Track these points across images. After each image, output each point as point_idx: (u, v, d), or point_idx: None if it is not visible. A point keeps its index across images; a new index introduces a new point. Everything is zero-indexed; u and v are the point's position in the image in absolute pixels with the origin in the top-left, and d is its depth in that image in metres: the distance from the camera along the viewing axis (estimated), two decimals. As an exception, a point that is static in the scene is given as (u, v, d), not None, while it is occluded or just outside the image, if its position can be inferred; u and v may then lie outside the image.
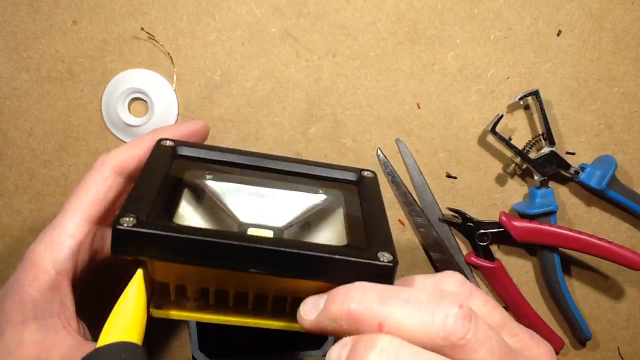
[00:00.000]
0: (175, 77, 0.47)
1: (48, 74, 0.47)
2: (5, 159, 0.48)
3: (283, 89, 0.48)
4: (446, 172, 0.48)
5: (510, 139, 0.47)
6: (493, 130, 0.46)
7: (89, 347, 0.28)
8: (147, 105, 0.47)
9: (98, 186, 0.33)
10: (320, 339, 0.36)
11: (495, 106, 0.48)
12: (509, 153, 0.48)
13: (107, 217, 0.34)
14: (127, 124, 0.47)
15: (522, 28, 0.47)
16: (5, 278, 0.49)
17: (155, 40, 0.47)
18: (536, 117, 0.48)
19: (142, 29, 0.47)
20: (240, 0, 0.47)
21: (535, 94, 0.46)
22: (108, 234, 0.35)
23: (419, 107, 0.48)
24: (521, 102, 0.47)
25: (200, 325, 0.33)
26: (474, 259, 0.48)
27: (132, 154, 0.34)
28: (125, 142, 0.48)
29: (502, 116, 0.46)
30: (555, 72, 0.48)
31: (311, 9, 0.47)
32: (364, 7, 0.47)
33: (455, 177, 0.49)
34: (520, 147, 0.47)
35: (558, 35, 0.47)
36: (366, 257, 0.26)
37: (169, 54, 0.47)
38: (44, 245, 0.30)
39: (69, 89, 0.48)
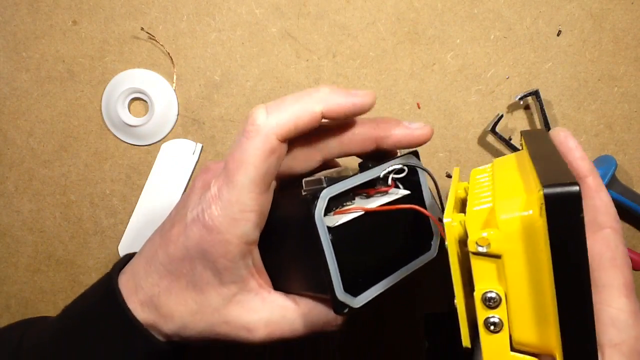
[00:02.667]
0: (175, 77, 0.47)
1: (48, 74, 0.47)
2: (5, 159, 0.48)
3: (283, 89, 0.48)
4: (446, 172, 0.48)
5: (510, 139, 0.47)
6: (493, 130, 0.46)
7: (280, 298, 0.34)
8: (147, 105, 0.48)
9: (267, 161, 0.30)
10: (427, 241, 0.37)
11: (495, 106, 0.48)
12: (509, 153, 0.48)
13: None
14: (127, 124, 0.47)
15: (522, 28, 0.47)
16: (5, 278, 0.49)
17: (155, 40, 0.47)
18: (536, 117, 0.48)
19: (142, 29, 0.47)
20: (240, 0, 0.47)
21: (535, 94, 0.46)
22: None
23: (419, 107, 0.48)
24: (521, 102, 0.47)
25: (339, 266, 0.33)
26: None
27: (298, 113, 0.31)
28: (125, 142, 0.48)
29: (502, 116, 0.46)
30: (555, 72, 0.48)
31: (311, 9, 0.47)
32: (364, 7, 0.47)
33: (455, 177, 0.49)
34: (520, 147, 0.47)
35: (558, 35, 0.47)
36: None
37: (169, 54, 0.47)
38: (228, 221, 0.31)
39: (69, 89, 0.48)
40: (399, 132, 0.34)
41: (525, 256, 0.25)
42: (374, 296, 0.33)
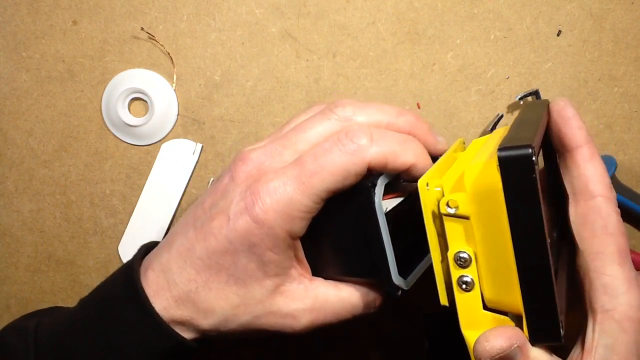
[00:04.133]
0: (175, 77, 0.47)
1: (48, 74, 0.47)
2: (5, 159, 0.48)
3: (283, 89, 0.48)
4: (446, 172, 0.49)
5: (510, 139, 0.47)
6: (493, 131, 0.46)
7: (322, 285, 0.34)
8: (147, 105, 0.48)
9: (348, 179, 0.31)
10: None
11: (495, 106, 0.48)
12: (509, 153, 0.47)
13: None
14: (127, 124, 0.47)
15: (522, 28, 0.47)
16: (5, 278, 0.49)
17: (155, 40, 0.47)
18: (536, 117, 0.48)
19: (142, 29, 0.47)
20: (240, 0, 0.47)
21: (535, 94, 0.46)
22: None
23: (419, 107, 0.48)
24: (521, 102, 0.47)
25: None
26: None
27: (396, 153, 0.31)
28: (125, 142, 0.48)
29: (502, 116, 0.46)
30: (555, 72, 0.48)
31: (311, 9, 0.47)
32: (364, 7, 0.47)
33: (455, 177, 0.49)
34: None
35: (558, 35, 0.47)
36: None
37: (169, 54, 0.47)
38: (282, 217, 0.31)
39: (69, 89, 0.48)
40: (428, 140, 0.35)
41: (489, 217, 0.26)
42: (417, 278, 0.34)
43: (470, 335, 0.28)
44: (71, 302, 0.49)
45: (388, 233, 0.32)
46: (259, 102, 0.48)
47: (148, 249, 0.36)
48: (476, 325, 0.28)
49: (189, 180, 0.48)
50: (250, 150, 0.33)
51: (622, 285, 0.28)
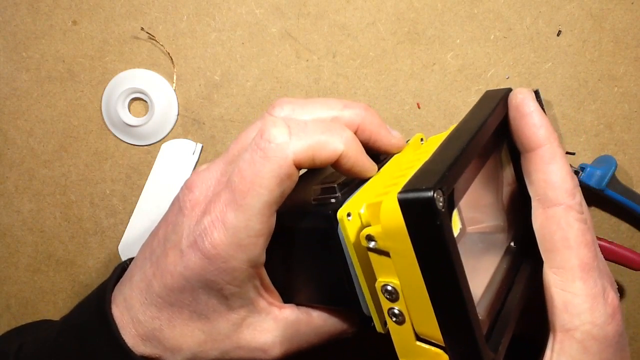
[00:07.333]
0: (175, 77, 0.47)
1: (48, 74, 0.47)
2: (5, 159, 0.48)
3: (283, 89, 0.48)
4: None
5: (510, 139, 0.47)
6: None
7: (293, 314, 0.32)
8: (147, 105, 0.48)
9: (282, 184, 0.28)
10: None
11: (495, 106, 0.48)
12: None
13: None
14: (127, 124, 0.47)
15: (522, 28, 0.47)
16: (5, 278, 0.49)
17: (155, 40, 0.47)
18: (536, 117, 0.48)
19: (142, 29, 0.47)
20: (240, 0, 0.47)
21: (535, 94, 0.46)
22: None
23: (419, 107, 0.48)
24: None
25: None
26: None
27: (322, 144, 0.28)
28: (125, 142, 0.48)
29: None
30: (555, 72, 0.48)
31: (311, 9, 0.47)
32: (364, 7, 0.47)
33: (455, 177, 0.49)
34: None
35: (558, 35, 0.47)
36: None
37: (169, 54, 0.47)
38: (234, 248, 0.28)
39: (69, 89, 0.48)
40: (380, 134, 0.32)
41: (404, 254, 0.24)
42: None
43: None
44: (71, 302, 0.49)
45: (357, 261, 0.29)
46: (259, 102, 0.48)
47: (123, 269, 0.35)
48: (411, 356, 0.27)
49: (189, 180, 0.48)
50: (196, 174, 0.31)
51: (584, 302, 0.26)
